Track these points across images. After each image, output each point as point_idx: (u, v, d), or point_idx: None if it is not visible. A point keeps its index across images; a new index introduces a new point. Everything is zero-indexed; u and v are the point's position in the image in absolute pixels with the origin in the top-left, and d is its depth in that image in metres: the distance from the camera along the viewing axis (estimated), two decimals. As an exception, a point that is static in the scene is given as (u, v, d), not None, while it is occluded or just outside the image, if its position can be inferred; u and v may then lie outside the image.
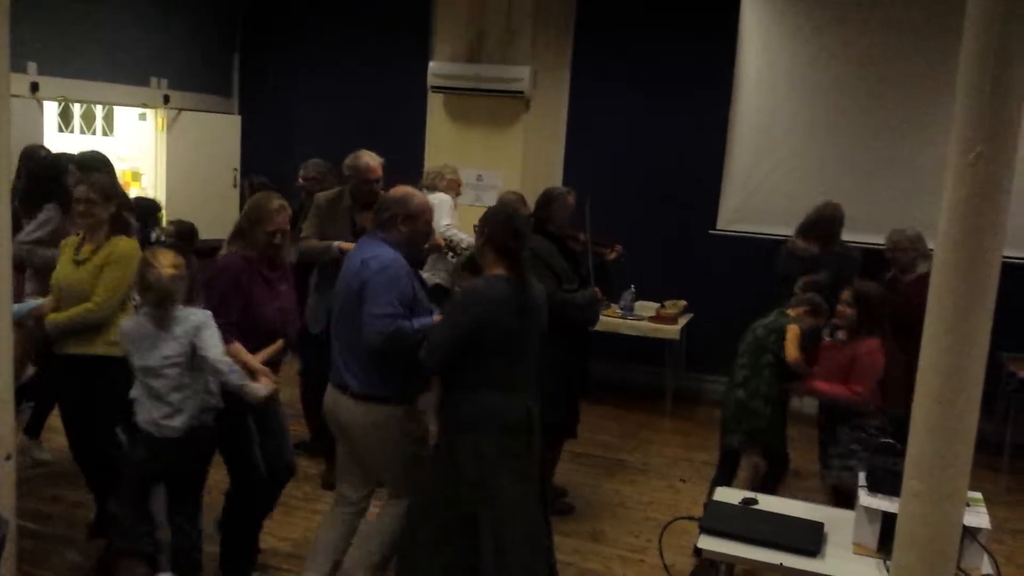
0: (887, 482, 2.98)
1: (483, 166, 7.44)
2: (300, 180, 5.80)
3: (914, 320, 4.50)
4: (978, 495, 3.04)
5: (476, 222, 3.66)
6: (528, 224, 3.61)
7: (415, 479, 3.56)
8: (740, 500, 3.39)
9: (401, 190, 3.70)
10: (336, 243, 4.81)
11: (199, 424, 3.59)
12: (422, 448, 3.63)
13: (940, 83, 6.02)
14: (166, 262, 3.51)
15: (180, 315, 3.55)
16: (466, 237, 5.72)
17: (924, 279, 5.02)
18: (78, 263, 3.95)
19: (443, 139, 7.64)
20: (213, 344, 3.51)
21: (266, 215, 3.79)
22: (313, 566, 3.70)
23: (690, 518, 3.42)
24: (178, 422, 3.54)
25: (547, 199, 4.85)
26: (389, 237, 3.57)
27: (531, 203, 5.09)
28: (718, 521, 3.15)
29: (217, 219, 5.98)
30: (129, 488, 3.66)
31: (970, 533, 2.81)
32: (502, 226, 3.40)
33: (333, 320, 3.71)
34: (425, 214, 3.69)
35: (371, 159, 4.93)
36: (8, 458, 3.37)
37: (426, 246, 5.10)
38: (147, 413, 3.56)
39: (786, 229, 5.90)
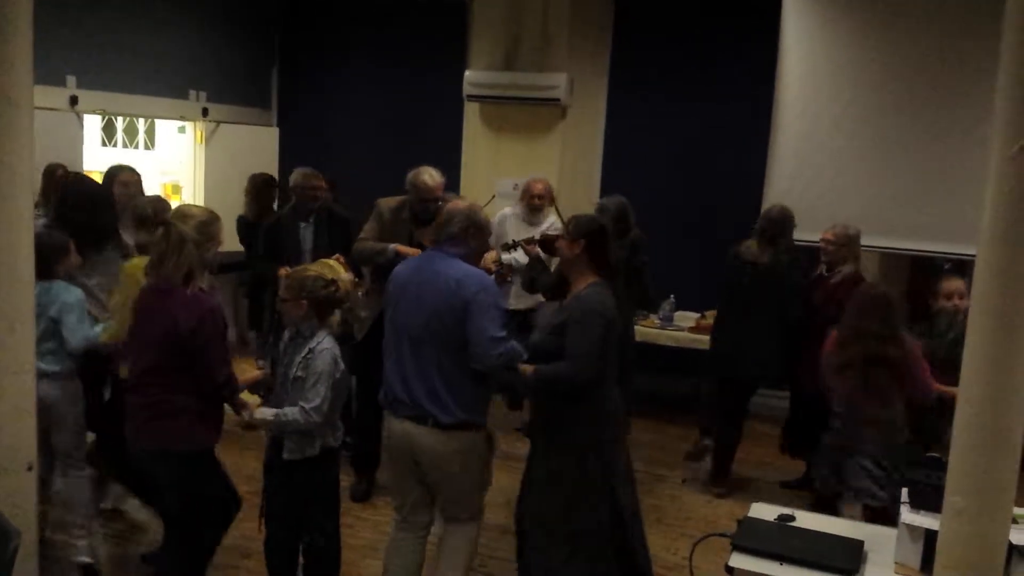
0: (929, 498, 2.82)
1: (519, 175, 7.34)
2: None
3: (829, 318, 4.56)
4: (1028, 512, 2.87)
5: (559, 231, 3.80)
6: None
7: (479, 502, 3.70)
8: (776, 516, 3.25)
9: (467, 204, 3.77)
10: (393, 246, 4.78)
11: None
12: (488, 471, 3.70)
13: (985, 87, 5.82)
14: None
15: None
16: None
17: (849, 281, 5.09)
18: None
19: (479, 148, 7.60)
20: None
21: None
22: None
23: (722, 535, 3.29)
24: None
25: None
26: (460, 252, 3.58)
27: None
28: (751, 538, 3.02)
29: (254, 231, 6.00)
30: None
31: (1018, 551, 2.65)
32: (599, 236, 3.56)
33: (399, 346, 3.54)
34: (489, 227, 3.78)
35: (430, 178, 4.84)
36: (29, 468, 3.35)
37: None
38: None
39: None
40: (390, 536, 3.78)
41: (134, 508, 4.68)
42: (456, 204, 3.76)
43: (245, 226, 6.68)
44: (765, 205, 6.75)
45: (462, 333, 3.39)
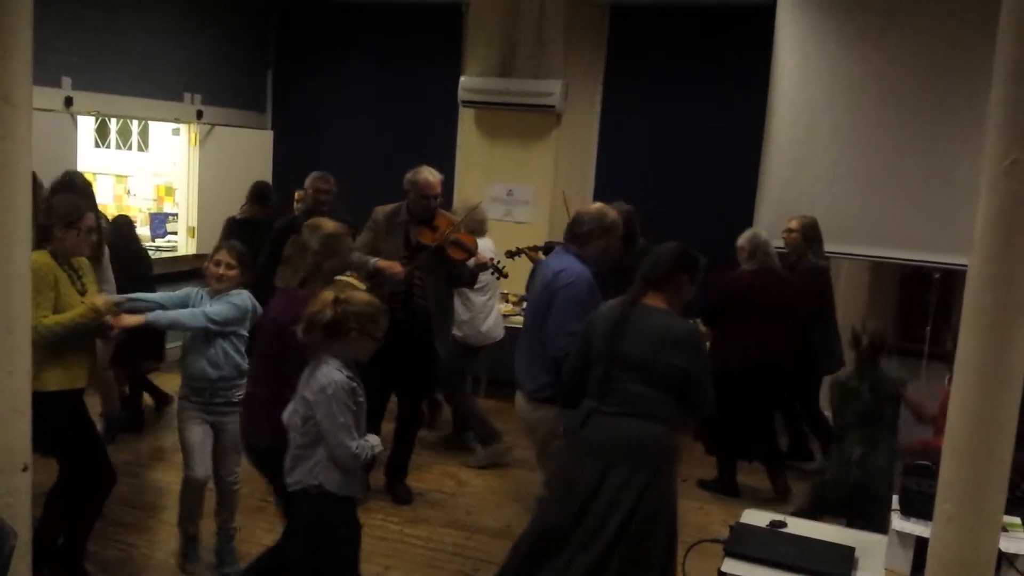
0: (920, 505, 2.85)
1: (514, 181, 7.40)
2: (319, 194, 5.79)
3: (790, 303, 4.91)
4: (1016, 520, 2.90)
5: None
6: None
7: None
8: (768, 522, 3.27)
9: (597, 206, 4.00)
10: (374, 260, 4.83)
11: None
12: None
13: (979, 96, 5.87)
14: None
15: None
16: None
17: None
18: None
19: (474, 154, 7.63)
20: None
21: None
22: None
23: (715, 540, 3.30)
24: None
25: None
26: (584, 252, 3.86)
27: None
28: (743, 544, 3.04)
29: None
30: None
31: (1007, 560, 2.67)
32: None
33: (524, 326, 4.08)
34: (618, 230, 3.96)
35: (430, 175, 4.96)
36: (24, 469, 3.35)
37: (472, 262, 5.11)
38: None
39: (824, 244, 5.79)
40: None
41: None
42: (590, 205, 4.02)
43: (233, 227, 6.67)
44: (758, 213, 6.81)
45: (547, 319, 3.78)
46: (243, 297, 3.92)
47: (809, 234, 5.76)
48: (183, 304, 3.93)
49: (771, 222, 6.80)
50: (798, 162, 6.61)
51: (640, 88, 7.38)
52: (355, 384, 3.18)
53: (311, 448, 3.19)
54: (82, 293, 3.80)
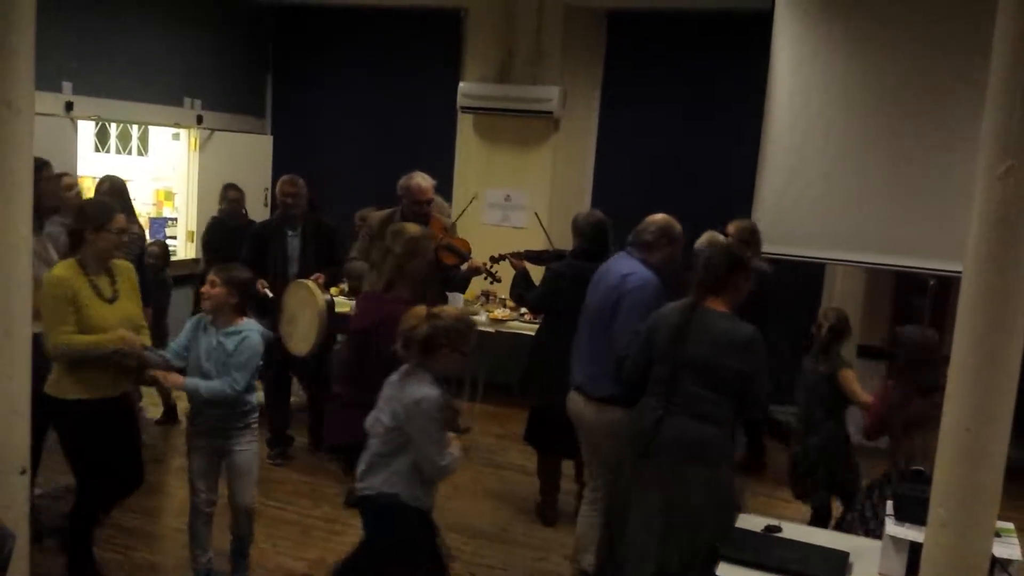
0: (914, 510, 2.86)
1: (512, 186, 7.42)
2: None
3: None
4: (1009, 525, 2.91)
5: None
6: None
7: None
8: (763, 527, 3.29)
9: (664, 216, 4.07)
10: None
11: None
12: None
13: (974, 105, 5.89)
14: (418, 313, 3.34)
15: None
16: None
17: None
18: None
19: (472, 160, 7.65)
20: None
21: None
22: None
23: (711, 546, 3.32)
24: None
25: None
26: (649, 257, 3.95)
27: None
28: (738, 549, 3.05)
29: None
30: None
31: (1000, 564, 2.69)
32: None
33: (582, 328, 4.05)
34: (682, 242, 4.05)
35: (423, 180, 5.01)
36: (23, 472, 3.36)
37: (464, 267, 5.13)
38: None
39: (819, 251, 5.81)
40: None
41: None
42: (657, 216, 4.09)
43: (217, 229, 6.73)
44: (754, 218, 6.83)
45: (614, 322, 3.84)
46: (254, 337, 3.80)
47: (746, 238, 5.76)
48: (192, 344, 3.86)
49: (767, 228, 6.82)
50: (794, 168, 6.62)
51: (637, 94, 7.40)
52: (447, 398, 3.20)
53: (392, 457, 3.18)
54: (114, 299, 3.72)
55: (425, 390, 3.12)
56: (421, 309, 3.22)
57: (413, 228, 3.85)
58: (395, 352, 3.22)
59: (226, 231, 6.51)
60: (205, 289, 3.79)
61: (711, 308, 3.49)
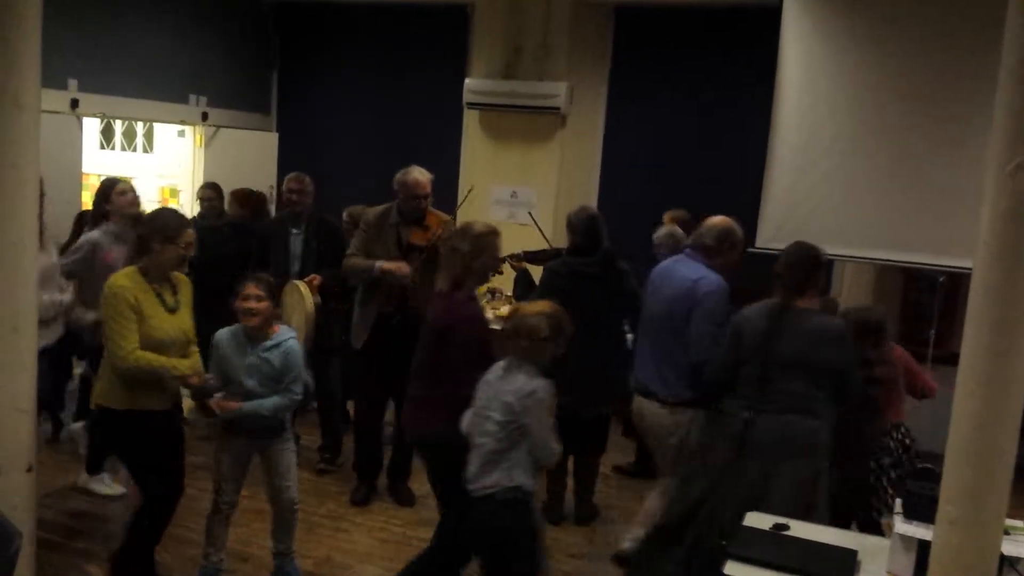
0: (923, 508, 2.85)
1: (518, 183, 7.41)
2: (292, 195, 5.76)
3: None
4: (1019, 523, 2.89)
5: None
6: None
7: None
8: (771, 525, 3.27)
9: (725, 219, 4.16)
10: (378, 263, 4.80)
11: None
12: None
13: (984, 101, 5.86)
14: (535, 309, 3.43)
15: None
16: None
17: None
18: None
19: (479, 156, 7.64)
20: None
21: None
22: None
23: (719, 544, 3.31)
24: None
25: None
26: (712, 262, 4.04)
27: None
28: (746, 547, 3.04)
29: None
30: None
31: (1009, 563, 2.67)
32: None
33: (645, 332, 4.12)
34: (742, 245, 4.17)
35: (420, 175, 4.92)
36: (29, 469, 3.37)
37: None
38: None
39: (828, 248, 5.77)
40: None
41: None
42: (720, 220, 4.16)
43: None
44: (762, 216, 6.80)
45: (687, 325, 3.90)
46: (294, 343, 3.84)
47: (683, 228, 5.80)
48: (222, 363, 3.81)
49: (775, 225, 6.80)
50: (802, 164, 6.60)
51: (644, 90, 7.39)
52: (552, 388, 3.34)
53: (508, 451, 3.28)
54: (174, 311, 3.65)
55: (537, 382, 3.26)
56: (543, 306, 3.40)
57: (479, 225, 3.84)
58: (478, 348, 3.47)
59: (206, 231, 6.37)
60: (250, 305, 3.72)
61: (799, 306, 3.63)
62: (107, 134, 8.02)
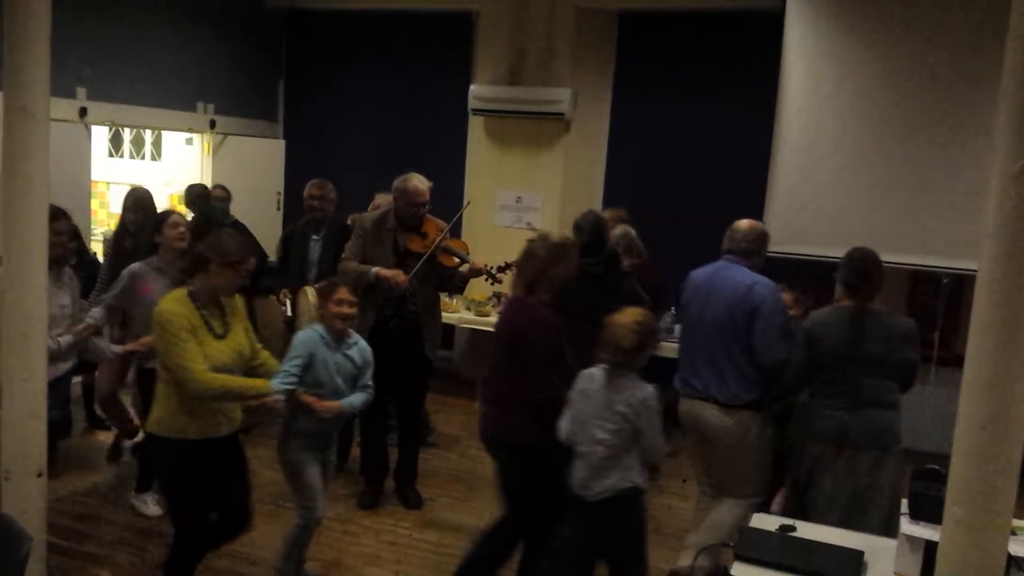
0: (929, 509, 2.86)
1: (523, 188, 7.43)
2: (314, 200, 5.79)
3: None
4: (1026, 524, 2.91)
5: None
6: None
7: (755, 482, 4.16)
8: (778, 526, 3.28)
9: (753, 222, 4.32)
10: (375, 269, 4.82)
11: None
12: (768, 452, 4.19)
13: (987, 102, 5.87)
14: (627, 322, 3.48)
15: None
16: None
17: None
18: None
19: (484, 162, 7.66)
20: None
21: None
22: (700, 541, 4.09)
23: (725, 545, 3.32)
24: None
25: None
26: (752, 264, 4.18)
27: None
28: (753, 548, 3.04)
29: (261, 242, 6.04)
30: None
31: (1016, 563, 2.68)
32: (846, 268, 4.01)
33: (696, 338, 4.18)
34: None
35: (420, 182, 4.94)
36: (39, 475, 3.39)
37: (464, 269, 5.12)
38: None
39: (831, 250, 5.78)
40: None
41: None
42: (749, 223, 4.28)
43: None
44: (766, 218, 6.81)
45: (748, 330, 4.00)
46: (363, 341, 3.97)
47: (618, 216, 5.87)
48: (311, 365, 3.73)
49: (780, 228, 6.81)
50: (806, 168, 6.62)
51: (649, 95, 7.40)
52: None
53: (621, 455, 3.42)
54: (223, 335, 3.51)
55: (646, 388, 3.43)
56: (635, 315, 3.50)
57: (557, 236, 3.94)
58: (553, 352, 3.64)
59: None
60: (345, 310, 3.75)
61: (873, 308, 3.90)
62: (116, 142, 8.08)
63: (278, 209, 8.08)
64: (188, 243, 4.39)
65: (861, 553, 3.04)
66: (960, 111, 6.09)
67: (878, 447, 3.83)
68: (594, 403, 3.44)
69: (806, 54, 6.55)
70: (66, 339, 4.26)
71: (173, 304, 3.42)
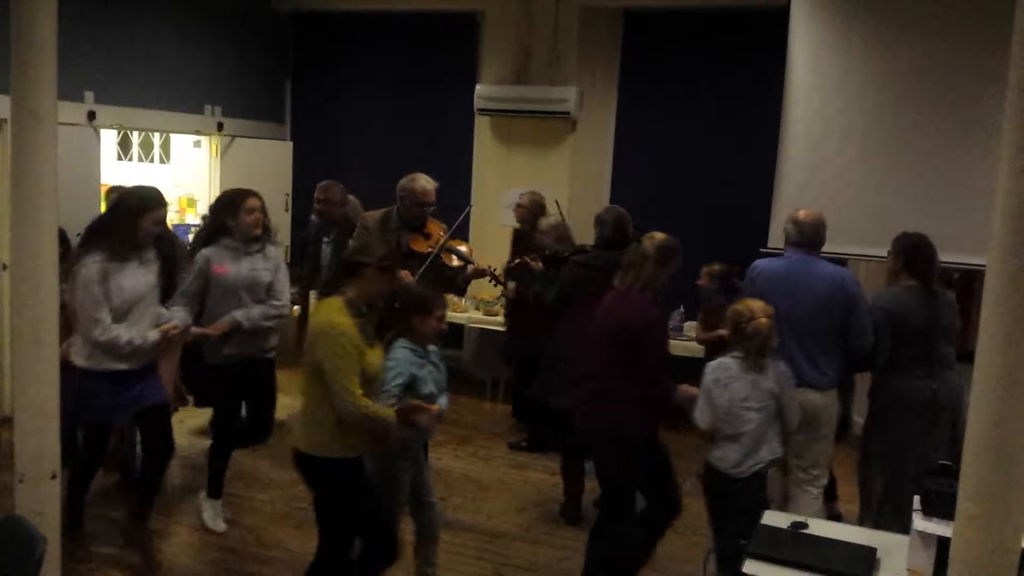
0: (942, 505, 2.85)
1: (530, 187, 7.41)
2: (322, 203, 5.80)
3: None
4: (1040, 519, 2.89)
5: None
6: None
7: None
8: (790, 524, 3.28)
9: (812, 212, 4.50)
10: None
11: None
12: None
13: (993, 98, 5.85)
14: (760, 311, 3.77)
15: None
16: None
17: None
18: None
19: (490, 161, 7.67)
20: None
21: None
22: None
23: (737, 543, 3.31)
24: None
25: None
26: (818, 254, 4.46)
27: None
28: (765, 546, 3.05)
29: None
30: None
31: (1030, 559, 2.67)
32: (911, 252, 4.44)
33: (788, 333, 4.28)
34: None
35: (427, 183, 4.95)
36: (53, 477, 3.40)
37: (469, 270, 5.13)
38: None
39: (840, 246, 5.77)
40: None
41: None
42: (806, 214, 4.46)
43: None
44: (774, 216, 6.80)
45: (842, 319, 4.29)
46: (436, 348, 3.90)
47: (537, 211, 5.96)
48: (412, 383, 3.64)
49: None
50: (813, 164, 6.60)
51: (655, 93, 7.39)
52: None
53: (768, 430, 3.79)
54: (372, 344, 3.50)
55: (779, 365, 3.87)
56: (757, 311, 3.78)
57: (669, 240, 4.05)
58: (664, 349, 3.97)
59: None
60: (443, 326, 3.69)
61: (935, 288, 4.38)
62: (124, 145, 8.09)
63: (286, 210, 8.08)
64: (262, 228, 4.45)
65: (874, 550, 3.04)
66: (968, 106, 6.06)
67: (959, 407, 4.20)
68: (735, 390, 3.74)
69: (811, 51, 6.53)
70: (153, 334, 4.14)
71: (340, 316, 3.35)
